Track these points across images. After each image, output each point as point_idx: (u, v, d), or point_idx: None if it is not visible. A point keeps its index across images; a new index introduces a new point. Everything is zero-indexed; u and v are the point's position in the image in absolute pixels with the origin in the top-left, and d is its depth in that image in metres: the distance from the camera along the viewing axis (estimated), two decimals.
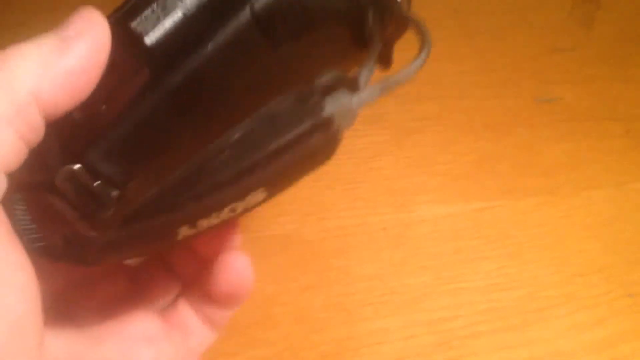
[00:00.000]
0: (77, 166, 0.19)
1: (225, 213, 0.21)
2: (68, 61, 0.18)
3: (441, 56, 0.46)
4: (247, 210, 0.21)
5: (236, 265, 0.23)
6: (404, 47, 0.23)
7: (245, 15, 0.19)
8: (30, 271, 0.18)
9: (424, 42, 0.23)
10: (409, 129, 0.41)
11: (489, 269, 0.35)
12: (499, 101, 0.44)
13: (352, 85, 0.21)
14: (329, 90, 0.21)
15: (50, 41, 0.19)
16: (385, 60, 0.23)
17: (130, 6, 0.20)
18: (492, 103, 0.44)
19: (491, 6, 0.49)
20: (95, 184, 0.19)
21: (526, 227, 0.37)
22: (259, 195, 0.21)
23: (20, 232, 0.19)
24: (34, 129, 0.18)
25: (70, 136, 0.19)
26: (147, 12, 0.19)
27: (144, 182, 0.20)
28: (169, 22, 0.19)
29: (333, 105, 0.21)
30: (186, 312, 0.25)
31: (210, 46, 0.19)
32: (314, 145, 0.21)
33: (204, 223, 0.21)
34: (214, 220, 0.21)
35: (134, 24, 0.19)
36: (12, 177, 0.18)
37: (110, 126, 0.19)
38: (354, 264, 0.34)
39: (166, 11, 0.19)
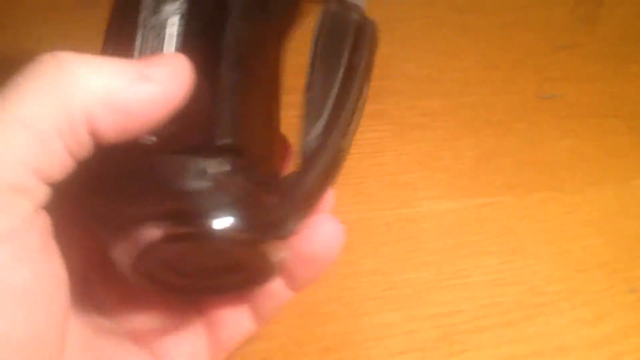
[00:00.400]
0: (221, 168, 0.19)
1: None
2: (136, 99, 0.18)
3: (444, 53, 0.46)
4: None
5: (330, 226, 0.22)
6: None
7: None
8: (62, 279, 0.18)
9: None
10: (411, 125, 0.41)
11: (491, 264, 0.35)
12: (502, 98, 0.44)
13: None
14: None
15: (128, 69, 0.18)
16: None
17: None
18: (495, 100, 0.44)
19: (494, 4, 0.50)
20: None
21: (529, 222, 0.37)
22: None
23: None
24: (84, 146, 0.18)
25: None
26: None
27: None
28: None
29: None
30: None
31: None
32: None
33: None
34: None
35: None
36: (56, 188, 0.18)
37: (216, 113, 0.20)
38: (356, 259, 0.34)
39: None
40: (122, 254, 0.20)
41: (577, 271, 0.35)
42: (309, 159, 0.21)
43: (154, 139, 0.19)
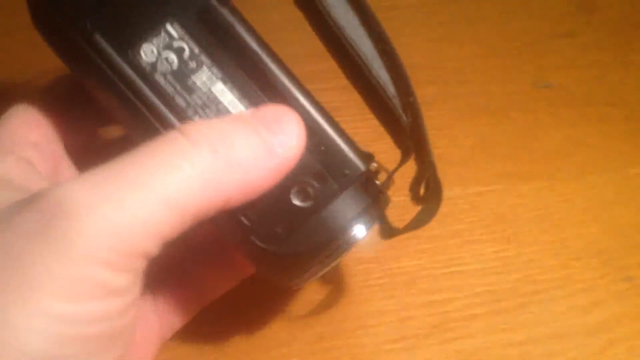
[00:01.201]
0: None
1: None
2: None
3: (441, 41, 0.45)
4: None
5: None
6: None
7: None
8: None
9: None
10: None
11: (486, 252, 0.35)
12: (498, 86, 0.44)
13: None
14: None
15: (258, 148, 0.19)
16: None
17: None
18: (492, 88, 0.44)
19: None
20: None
21: (524, 211, 0.37)
22: None
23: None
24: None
25: None
26: None
27: None
28: None
29: None
30: None
31: None
32: None
33: None
34: None
35: None
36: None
37: None
38: None
39: None
40: None
41: (572, 259, 0.34)
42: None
43: None
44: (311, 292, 0.32)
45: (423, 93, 0.42)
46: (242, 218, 0.22)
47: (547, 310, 0.32)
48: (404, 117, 0.24)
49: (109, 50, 0.20)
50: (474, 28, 0.47)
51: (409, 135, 0.24)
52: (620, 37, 0.47)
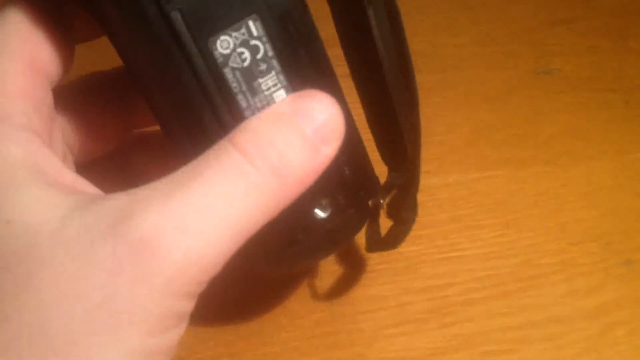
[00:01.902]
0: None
1: None
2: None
3: (440, 28, 0.45)
4: None
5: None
6: None
7: None
8: None
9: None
10: None
11: (485, 237, 0.35)
12: (498, 73, 0.44)
13: None
14: None
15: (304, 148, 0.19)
16: None
17: None
18: (491, 75, 0.43)
19: None
20: None
21: (523, 196, 0.37)
22: None
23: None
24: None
25: None
26: None
27: None
28: None
29: None
30: None
31: None
32: None
33: None
34: None
35: None
36: None
37: None
38: None
39: None
40: None
41: (572, 244, 0.34)
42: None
43: None
44: (311, 278, 0.32)
45: (422, 80, 0.42)
46: None
47: (547, 294, 0.32)
48: (409, 142, 0.25)
49: (185, 32, 0.18)
50: (474, 15, 0.47)
51: (409, 157, 0.25)
52: (619, 22, 0.46)
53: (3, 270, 0.16)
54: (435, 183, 0.37)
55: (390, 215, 0.26)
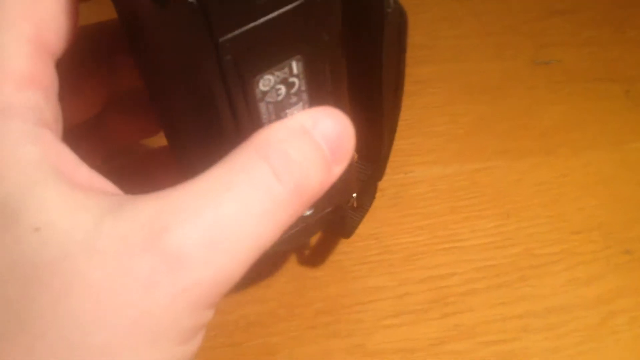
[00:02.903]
0: None
1: None
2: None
3: (438, 19, 0.45)
4: None
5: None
6: None
7: None
8: None
9: None
10: (406, 91, 0.40)
11: (485, 227, 0.34)
12: (497, 64, 0.43)
13: None
14: None
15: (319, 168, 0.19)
16: None
17: None
18: (490, 66, 0.43)
19: None
20: None
21: (523, 186, 0.36)
22: None
23: None
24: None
25: None
26: None
27: None
28: None
29: None
30: None
31: None
32: None
33: None
34: None
35: None
36: None
37: None
38: None
39: None
40: None
41: (572, 233, 0.34)
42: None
43: None
44: (310, 269, 0.32)
45: (421, 71, 0.42)
46: None
47: (547, 283, 0.32)
48: (386, 142, 0.26)
49: (233, 72, 0.18)
50: (473, 6, 0.46)
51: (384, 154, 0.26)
52: (618, 13, 0.46)
53: (37, 283, 0.15)
54: (435, 174, 0.37)
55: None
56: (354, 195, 0.26)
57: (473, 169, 0.37)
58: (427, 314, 0.31)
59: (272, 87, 0.19)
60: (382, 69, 0.23)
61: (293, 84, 0.20)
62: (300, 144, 0.19)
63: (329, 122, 0.20)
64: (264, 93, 0.19)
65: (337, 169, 0.20)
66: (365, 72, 0.24)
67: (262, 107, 0.19)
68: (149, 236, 0.16)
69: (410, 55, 0.41)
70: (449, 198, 0.36)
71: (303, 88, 0.20)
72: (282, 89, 0.19)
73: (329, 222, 0.26)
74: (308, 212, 0.24)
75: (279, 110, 0.20)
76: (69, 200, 0.16)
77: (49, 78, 0.18)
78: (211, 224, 0.16)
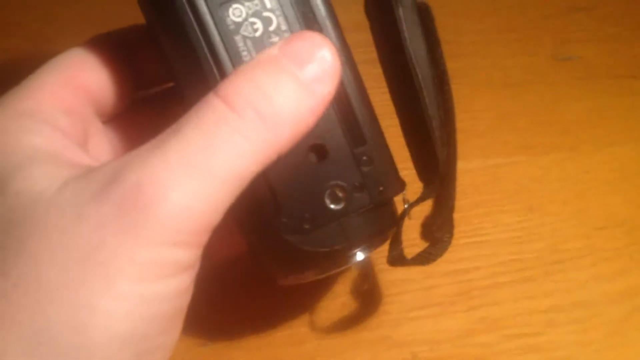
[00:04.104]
0: None
1: None
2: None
3: (460, 14, 0.45)
4: None
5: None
6: None
7: None
8: None
9: None
10: None
11: (509, 222, 0.35)
12: (519, 59, 0.43)
13: None
14: None
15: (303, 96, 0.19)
16: None
17: None
18: (512, 61, 0.43)
19: None
20: None
21: (546, 182, 0.37)
22: None
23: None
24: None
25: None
26: None
27: None
28: None
29: None
30: None
31: None
32: None
33: None
34: None
35: None
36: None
37: None
38: None
39: None
40: None
41: (596, 229, 0.34)
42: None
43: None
44: None
45: None
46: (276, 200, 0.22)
47: (571, 278, 0.32)
48: (442, 154, 0.24)
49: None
50: (494, 2, 0.46)
51: (441, 173, 0.24)
52: (639, 8, 0.46)
53: (10, 234, 0.18)
54: (459, 169, 0.37)
55: (423, 235, 0.26)
56: (406, 205, 0.24)
57: (495, 164, 0.38)
58: (453, 307, 0.31)
59: (245, 20, 0.20)
60: (406, 56, 0.23)
61: (269, 19, 0.20)
62: (262, 72, 0.19)
63: (298, 43, 0.20)
64: (237, 24, 0.20)
65: (322, 88, 0.19)
66: (399, 70, 0.24)
67: (239, 41, 0.20)
68: (101, 186, 0.18)
69: None
70: (472, 193, 0.36)
71: (284, 27, 0.20)
72: (258, 24, 0.20)
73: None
74: (334, 205, 0.22)
75: (259, 49, 0.20)
76: (52, 173, 0.19)
77: (75, 106, 0.22)
78: (156, 165, 0.18)
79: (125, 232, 0.17)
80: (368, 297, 0.31)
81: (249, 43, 0.20)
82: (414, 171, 0.26)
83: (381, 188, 0.23)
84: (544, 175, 0.37)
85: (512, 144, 0.39)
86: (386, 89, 0.26)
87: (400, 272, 0.32)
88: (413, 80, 0.23)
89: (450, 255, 0.33)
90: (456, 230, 0.34)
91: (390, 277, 0.32)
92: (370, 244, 0.24)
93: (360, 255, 0.24)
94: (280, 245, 0.22)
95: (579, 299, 0.32)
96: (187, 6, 0.20)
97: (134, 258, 0.17)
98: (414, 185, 0.26)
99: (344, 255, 0.23)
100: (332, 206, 0.22)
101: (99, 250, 0.17)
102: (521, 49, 0.44)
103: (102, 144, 0.24)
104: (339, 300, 0.31)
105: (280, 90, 0.19)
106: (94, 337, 0.17)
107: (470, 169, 0.37)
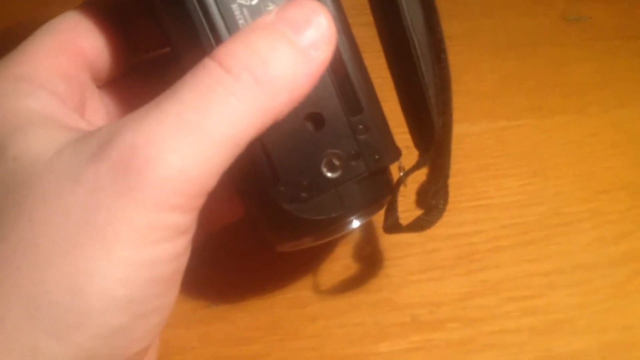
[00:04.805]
0: None
1: None
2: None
3: None
4: None
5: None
6: None
7: None
8: None
9: None
10: None
11: (512, 185, 0.35)
12: (526, 20, 0.43)
13: None
14: None
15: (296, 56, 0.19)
16: None
17: None
18: (519, 22, 0.43)
19: None
20: None
21: (551, 145, 0.36)
22: None
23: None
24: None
25: None
26: None
27: None
28: None
29: None
30: None
31: None
32: None
33: None
34: None
35: None
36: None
37: None
38: None
39: None
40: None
41: (600, 192, 0.34)
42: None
43: None
44: None
45: (448, 27, 0.41)
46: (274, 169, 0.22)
47: (573, 241, 0.32)
48: (438, 123, 0.24)
49: None
50: None
51: (437, 141, 0.24)
52: None
53: (8, 200, 0.18)
54: (462, 131, 0.37)
55: (419, 203, 0.26)
56: (402, 173, 0.25)
57: (500, 127, 0.37)
58: (453, 270, 0.32)
59: None
60: (403, 22, 0.23)
61: None
62: (258, 36, 0.19)
63: (294, 9, 0.20)
64: None
65: (318, 54, 0.19)
66: (395, 35, 0.24)
67: (236, 9, 0.20)
68: (97, 148, 0.18)
69: None
70: (476, 156, 0.36)
71: None
72: None
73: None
74: (331, 174, 0.22)
75: (256, 16, 0.20)
76: (49, 137, 0.19)
77: (72, 71, 0.22)
78: (152, 126, 0.17)
79: (122, 195, 0.17)
80: (370, 260, 0.32)
81: (246, 11, 0.20)
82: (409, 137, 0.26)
83: (377, 156, 0.23)
84: (549, 138, 0.37)
85: (518, 106, 0.38)
86: (381, 53, 0.26)
87: (402, 236, 0.32)
88: (410, 48, 0.23)
89: (452, 218, 0.33)
90: (459, 193, 0.34)
91: (392, 241, 0.32)
92: (366, 211, 0.24)
93: (356, 223, 0.24)
94: (277, 213, 0.22)
95: (580, 261, 0.32)
96: None
97: (131, 222, 0.17)
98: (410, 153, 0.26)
99: (340, 223, 0.24)
100: (329, 174, 0.22)
101: (95, 214, 0.17)
102: (529, 9, 0.43)
103: (99, 109, 0.24)
104: (340, 262, 0.32)
105: (276, 55, 0.19)
106: (91, 301, 0.17)
107: (475, 131, 0.37)
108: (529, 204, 0.34)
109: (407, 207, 0.27)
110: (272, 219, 0.24)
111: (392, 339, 0.29)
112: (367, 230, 0.33)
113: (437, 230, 0.33)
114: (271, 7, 0.20)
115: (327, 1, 0.21)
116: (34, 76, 0.21)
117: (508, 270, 0.32)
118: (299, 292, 0.30)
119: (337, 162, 0.22)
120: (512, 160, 0.36)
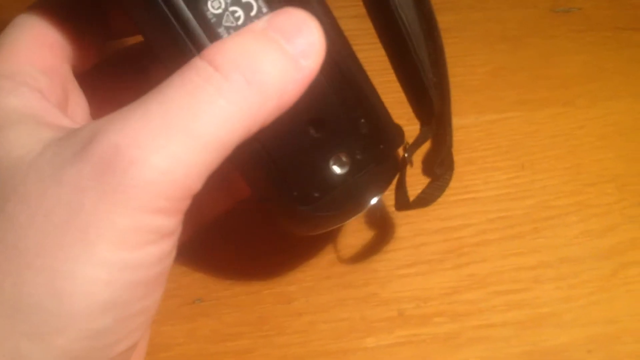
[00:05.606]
0: None
1: None
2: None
3: None
4: None
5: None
6: None
7: None
8: None
9: None
10: None
11: (500, 179, 0.35)
12: (516, 12, 0.43)
13: None
14: None
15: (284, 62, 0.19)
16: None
17: None
18: (509, 14, 0.42)
19: None
20: None
21: (540, 137, 0.36)
22: None
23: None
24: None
25: None
26: None
27: None
28: None
29: None
30: None
31: None
32: None
33: None
34: None
35: None
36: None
37: None
38: None
39: None
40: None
41: (587, 185, 0.34)
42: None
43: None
44: None
45: (439, 19, 0.41)
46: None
47: (561, 235, 0.32)
48: (435, 96, 0.25)
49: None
50: None
51: (436, 113, 0.25)
52: None
53: None
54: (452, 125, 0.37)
55: (425, 172, 0.26)
56: (407, 154, 0.25)
57: (489, 120, 0.37)
58: (441, 264, 0.32)
59: (226, 10, 0.19)
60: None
61: (249, 5, 0.20)
62: (250, 40, 0.19)
63: (284, 17, 0.19)
64: (219, 17, 0.19)
65: (308, 63, 0.19)
66: (385, 11, 0.24)
67: (223, 33, 0.20)
68: (80, 148, 0.17)
69: None
70: (465, 149, 0.36)
71: (265, 10, 0.20)
72: (239, 12, 0.20)
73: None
74: (340, 170, 0.23)
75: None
76: (32, 136, 0.18)
77: (51, 63, 0.21)
78: (136, 127, 0.17)
79: (104, 197, 0.17)
80: (357, 255, 0.32)
81: (233, 33, 0.20)
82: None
83: (382, 146, 0.24)
84: (537, 131, 0.37)
85: (507, 99, 0.38)
86: (372, 45, 0.26)
87: (390, 230, 0.33)
88: (399, 27, 0.23)
89: (440, 212, 0.33)
90: (448, 187, 0.34)
91: (380, 235, 0.32)
92: (378, 193, 0.25)
93: (373, 200, 0.25)
94: (295, 214, 0.24)
95: (566, 255, 0.32)
96: (164, 7, 0.19)
97: (114, 224, 0.17)
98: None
99: (357, 208, 0.25)
100: (338, 171, 0.23)
101: (78, 214, 0.17)
102: (519, 1, 0.43)
103: (81, 103, 0.23)
104: (327, 257, 0.32)
105: (267, 59, 0.18)
106: (73, 303, 0.17)
107: (464, 125, 0.37)
108: (517, 197, 0.34)
109: (416, 179, 0.28)
110: (293, 219, 0.25)
111: (379, 334, 0.29)
112: (354, 224, 0.33)
113: (426, 224, 0.33)
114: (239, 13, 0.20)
115: (314, 5, 0.21)
116: (15, 73, 0.20)
117: (495, 264, 0.32)
118: (285, 288, 0.30)
119: (344, 159, 0.23)
120: (501, 153, 0.36)
